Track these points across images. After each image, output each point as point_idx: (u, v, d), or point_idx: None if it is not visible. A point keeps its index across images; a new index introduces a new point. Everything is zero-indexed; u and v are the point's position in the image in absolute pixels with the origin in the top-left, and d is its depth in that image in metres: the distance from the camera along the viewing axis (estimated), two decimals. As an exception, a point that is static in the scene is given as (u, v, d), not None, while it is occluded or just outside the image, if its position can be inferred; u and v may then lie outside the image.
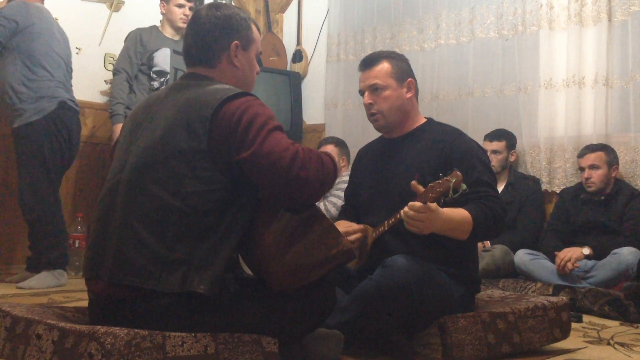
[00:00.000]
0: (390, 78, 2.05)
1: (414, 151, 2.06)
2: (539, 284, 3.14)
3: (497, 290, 2.62)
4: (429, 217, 1.76)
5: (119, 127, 3.63)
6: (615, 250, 3.11)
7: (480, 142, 3.82)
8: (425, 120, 2.17)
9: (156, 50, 3.77)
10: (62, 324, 1.40)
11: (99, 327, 1.33)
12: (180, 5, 3.80)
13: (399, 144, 2.12)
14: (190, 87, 1.60)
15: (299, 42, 5.17)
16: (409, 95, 2.09)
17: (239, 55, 1.69)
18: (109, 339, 1.28)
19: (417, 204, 1.75)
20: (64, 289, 3.34)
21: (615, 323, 2.70)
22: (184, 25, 3.73)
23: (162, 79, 3.78)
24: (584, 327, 2.56)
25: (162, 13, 3.93)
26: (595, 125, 3.60)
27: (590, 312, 2.85)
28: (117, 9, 4.42)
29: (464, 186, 1.71)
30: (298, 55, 5.09)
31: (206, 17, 1.68)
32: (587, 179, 3.36)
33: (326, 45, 4.98)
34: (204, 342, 1.39)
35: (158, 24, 4.00)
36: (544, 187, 3.77)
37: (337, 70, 4.87)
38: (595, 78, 3.61)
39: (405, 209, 1.77)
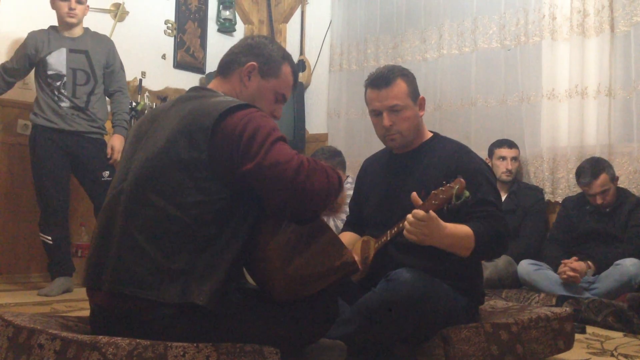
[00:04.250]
0: (408, 98, 2.01)
1: (421, 168, 2.03)
2: (542, 295, 3.13)
3: (501, 301, 2.61)
4: (429, 226, 1.74)
5: None
6: (618, 262, 3.10)
7: (485, 151, 3.83)
8: (431, 135, 2.14)
9: (49, 54, 3.49)
10: (64, 334, 1.39)
11: (101, 337, 1.33)
12: None
13: (405, 159, 2.09)
14: (195, 99, 1.61)
15: (302, 52, 5.19)
16: (422, 113, 2.07)
17: (252, 77, 1.70)
18: (111, 349, 1.28)
19: (420, 212, 1.74)
20: (67, 297, 3.34)
21: (619, 334, 2.69)
22: (72, 20, 3.52)
23: (58, 83, 3.49)
24: (587, 338, 2.55)
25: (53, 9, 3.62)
26: (598, 135, 3.60)
27: (593, 323, 2.84)
28: (121, 19, 4.45)
29: (467, 193, 1.69)
30: (301, 65, 5.10)
31: (249, 38, 1.78)
32: (602, 203, 3.31)
33: (329, 55, 5.00)
34: (205, 352, 1.39)
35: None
36: (547, 197, 3.77)
37: (340, 79, 4.88)
38: (597, 88, 3.61)
39: (408, 216, 1.76)
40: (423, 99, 2.08)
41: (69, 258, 3.61)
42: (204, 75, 4.99)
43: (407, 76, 2.05)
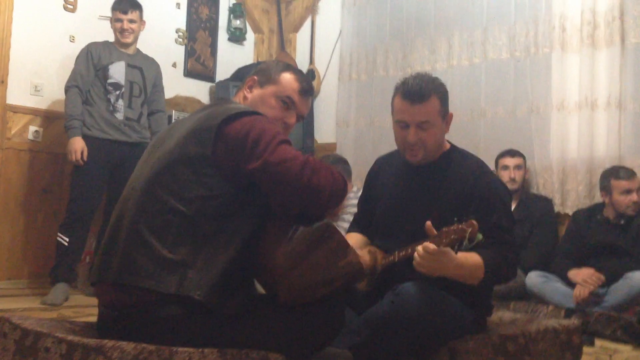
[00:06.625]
0: (439, 116, 1.96)
1: (436, 185, 1.99)
2: (550, 307, 3.11)
3: (508, 313, 2.59)
4: (441, 260, 1.70)
5: (76, 140, 3.53)
6: (628, 274, 3.08)
7: (493, 161, 3.82)
8: (449, 146, 2.09)
9: (111, 63, 3.73)
10: (70, 338, 1.40)
11: (106, 341, 1.33)
12: (118, 20, 3.76)
13: (421, 172, 2.04)
14: (209, 107, 1.70)
15: (311, 61, 5.21)
16: (447, 129, 2.03)
17: (253, 90, 1.80)
18: (117, 354, 1.28)
19: (432, 246, 1.69)
20: (74, 304, 3.35)
21: (628, 347, 2.67)
22: (126, 40, 3.76)
23: (117, 92, 3.72)
24: (596, 351, 2.53)
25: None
26: (608, 147, 3.58)
27: (602, 336, 2.82)
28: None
29: (479, 236, 1.66)
30: (311, 74, 5.12)
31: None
32: (637, 201, 3.28)
33: (338, 65, 5.01)
34: (211, 358, 1.39)
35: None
36: (556, 208, 3.74)
37: (349, 89, 4.89)
38: (608, 100, 3.60)
39: (419, 248, 1.72)
40: (451, 115, 2.02)
41: (74, 267, 3.62)
42: (214, 84, 5.01)
43: (441, 93, 1.99)
